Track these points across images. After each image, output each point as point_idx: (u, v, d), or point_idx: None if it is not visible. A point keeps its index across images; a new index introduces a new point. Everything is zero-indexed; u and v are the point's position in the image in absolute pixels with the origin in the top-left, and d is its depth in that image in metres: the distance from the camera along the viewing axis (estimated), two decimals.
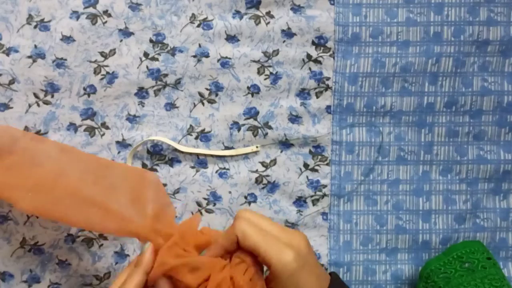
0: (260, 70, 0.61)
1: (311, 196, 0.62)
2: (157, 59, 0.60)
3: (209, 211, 0.61)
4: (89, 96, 0.60)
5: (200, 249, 0.45)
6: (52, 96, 0.60)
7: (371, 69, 0.61)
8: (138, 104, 0.61)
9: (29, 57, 0.59)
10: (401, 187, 0.63)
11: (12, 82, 0.59)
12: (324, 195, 0.62)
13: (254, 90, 0.61)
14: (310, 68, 0.61)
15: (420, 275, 0.61)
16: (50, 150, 0.53)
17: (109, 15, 0.60)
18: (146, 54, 0.60)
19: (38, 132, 0.60)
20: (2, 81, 0.59)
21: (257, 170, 0.62)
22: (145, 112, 0.61)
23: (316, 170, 0.62)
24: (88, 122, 0.60)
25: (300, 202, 0.62)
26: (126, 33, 0.60)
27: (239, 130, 0.61)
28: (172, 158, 0.61)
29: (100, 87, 0.60)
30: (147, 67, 0.60)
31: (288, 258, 0.41)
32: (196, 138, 0.61)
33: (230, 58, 0.61)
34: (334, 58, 0.61)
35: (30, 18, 0.59)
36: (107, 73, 0.60)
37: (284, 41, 0.61)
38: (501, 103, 0.62)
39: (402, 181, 0.63)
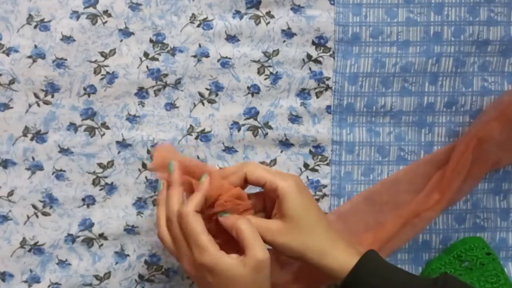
0: (260, 70, 0.61)
1: None
2: (157, 59, 0.60)
3: None
4: (89, 96, 0.60)
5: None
6: (52, 96, 0.60)
7: (371, 69, 0.61)
8: (138, 104, 0.61)
9: (29, 57, 0.59)
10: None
11: (12, 82, 0.59)
12: (324, 195, 0.62)
13: (254, 90, 0.61)
14: (310, 68, 0.61)
15: (421, 275, 0.61)
16: None
17: (109, 15, 0.60)
18: (146, 54, 0.60)
19: (38, 132, 0.60)
20: (2, 81, 0.59)
21: None
22: (145, 112, 0.61)
23: (316, 170, 0.62)
24: (88, 122, 0.60)
25: None
26: (126, 33, 0.60)
27: (239, 130, 0.61)
28: None
29: (100, 87, 0.60)
30: (147, 67, 0.60)
31: (291, 181, 0.46)
32: (196, 138, 0.61)
33: (230, 58, 0.61)
34: (334, 58, 0.61)
35: (30, 18, 0.59)
36: (107, 73, 0.60)
37: (284, 41, 0.61)
38: None
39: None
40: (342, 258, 0.46)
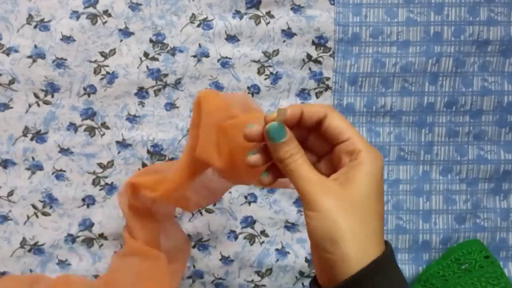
0: (260, 70, 0.61)
1: None
2: (157, 59, 0.60)
3: (209, 211, 0.61)
4: (89, 96, 0.60)
5: None
6: (52, 96, 0.60)
7: (371, 69, 0.61)
8: (138, 104, 0.61)
9: (29, 57, 0.59)
10: (401, 187, 0.63)
11: (12, 82, 0.59)
12: None
13: (254, 90, 0.61)
14: (310, 68, 0.61)
15: (419, 279, 0.61)
16: None
17: (109, 15, 0.60)
18: (146, 54, 0.60)
19: (38, 132, 0.60)
20: (2, 81, 0.59)
21: None
22: (145, 112, 0.61)
23: None
24: (88, 122, 0.60)
25: (300, 202, 0.62)
26: (126, 33, 0.60)
27: None
28: (172, 158, 0.61)
29: (100, 87, 0.60)
30: (147, 67, 0.60)
31: (380, 158, 0.37)
32: None
33: (230, 58, 0.61)
34: (334, 58, 0.61)
35: (30, 18, 0.59)
36: (107, 73, 0.60)
37: (284, 41, 0.61)
38: (501, 103, 0.62)
39: (402, 181, 0.63)
40: (360, 254, 0.35)
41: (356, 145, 0.37)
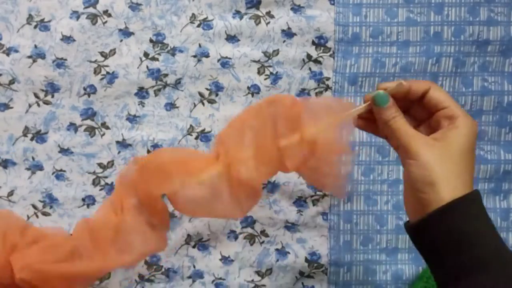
0: (260, 70, 0.61)
1: (311, 196, 0.62)
2: (157, 59, 0.60)
3: None
4: (89, 96, 0.60)
5: None
6: (52, 96, 0.60)
7: (371, 69, 0.61)
8: (138, 104, 0.61)
9: (29, 57, 0.59)
10: (401, 187, 0.63)
11: (12, 82, 0.59)
12: (324, 195, 0.62)
13: (254, 90, 0.61)
14: (310, 68, 0.61)
15: (420, 276, 0.61)
16: None
17: (109, 15, 0.60)
18: (146, 54, 0.60)
19: (38, 132, 0.60)
20: (2, 81, 0.59)
21: None
22: (145, 112, 0.61)
23: None
24: (88, 122, 0.60)
25: (300, 202, 0.62)
26: (126, 33, 0.60)
27: None
28: None
29: (100, 87, 0.60)
30: (147, 67, 0.60)
31: (474, 123, 0.44)
32: (196, 138, 0.61)
33: (230, 58, 0.61)
34: (334, 58, 0.61)
35: (30, 18, 0.59)
36: (107, 73, 0.60)
37: (284, 41, 0.61)
38: (501, 103, 0.62)
39: (402, 181, 0.63)
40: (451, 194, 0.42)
41: (455, 111, 0.43)
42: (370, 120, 0.46)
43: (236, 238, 0.62)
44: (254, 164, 0.44)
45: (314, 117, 0.46)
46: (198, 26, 0.60)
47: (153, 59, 0.60)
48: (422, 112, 0.46)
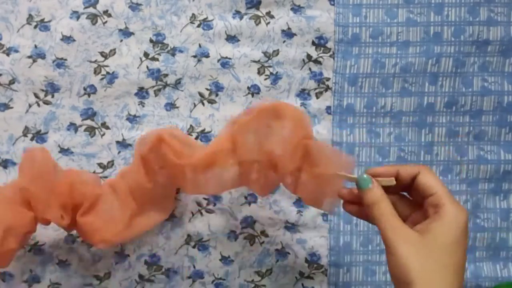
0: (260, 70, 0.61)
1: None
2: (157, 59, 0.60)
3: (209, 211, 0.61)
4: (89, 96, 0.60)
5: None
6: (52, 96, 0.60)
7: (371, 70, 0.61)
8: (138, 104, 0.61)
9: (29, 57, 0.59)
10: None
11: (12, 82, 0.59)
12: None
13: (254, 90, 0.61)
14: (310, 69, 0.61)
15: None
16: None
17: (109, 15, 0.60)
18: (146, 54, 0.60)
19: (38, 132, 0.60)
20: (2, 81, 0.59)
21: None
22: (145, 112, 0.61)
23: None
24: (88, 122, 0.60)
25: (300, 202, 0.62)
26: (126, 33, 0.60)
27: None
28: None
29: (100, 87, 0.60)
30: (147, 67, 0.60)
31: (464, 213, 0.41)
32: (196, 138, 0.61)
33: (230, 58, 0.61)
34: (334, 58, 0.61)
35: (30, 18, 0.59)
36: (107, 73, 0.60)
37: (284, 41, 0.61)
38: (501, 103, 0.62)
39: None
40: None
41: (441, 199, 0.41)
42: (359, 204, 0.45)
43: (236, 238, 0.62)
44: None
45: (314, 159, 0.47)
46: (198, 26, 0.61)
47: (153, 59, 0.60)
48: (417, 197, 0.44)
